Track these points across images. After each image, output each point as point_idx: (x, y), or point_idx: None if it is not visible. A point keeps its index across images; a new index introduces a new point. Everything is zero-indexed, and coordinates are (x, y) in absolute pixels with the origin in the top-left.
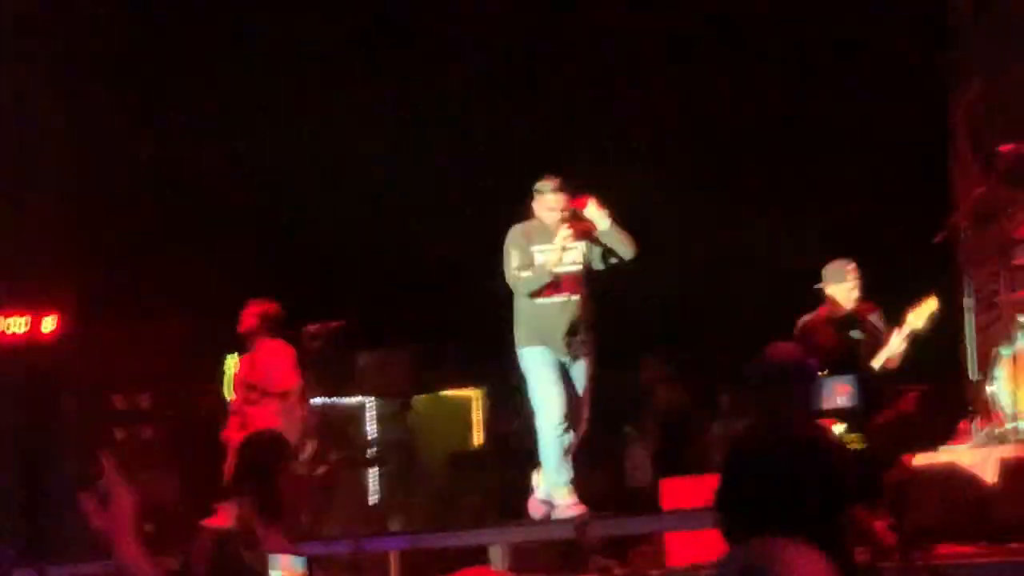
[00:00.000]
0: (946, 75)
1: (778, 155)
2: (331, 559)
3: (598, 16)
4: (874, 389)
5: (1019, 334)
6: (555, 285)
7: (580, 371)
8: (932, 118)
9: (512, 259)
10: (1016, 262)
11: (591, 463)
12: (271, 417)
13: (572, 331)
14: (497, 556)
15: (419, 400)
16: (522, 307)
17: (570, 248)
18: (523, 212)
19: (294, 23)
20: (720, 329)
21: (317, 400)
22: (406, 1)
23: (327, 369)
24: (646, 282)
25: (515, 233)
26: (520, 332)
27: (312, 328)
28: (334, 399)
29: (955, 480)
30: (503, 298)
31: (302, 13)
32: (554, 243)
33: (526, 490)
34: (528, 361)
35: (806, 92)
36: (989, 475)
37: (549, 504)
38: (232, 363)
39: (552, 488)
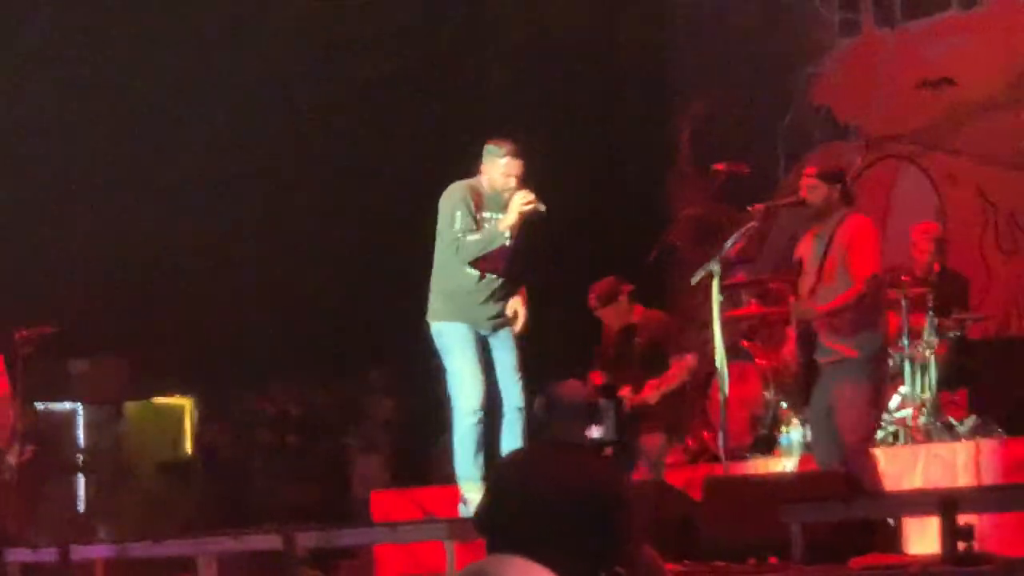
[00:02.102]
0: (668, 95)
1: None
2: (38, 566)
3: None
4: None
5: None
6: (494, 256)
7: (506, 347)
8: (654, 136)
9: (456, 220)
10: (730, 280)
11: (311, 473)
12: None
13: (498, 299)
14: (204, 566)
15: (130, 407)
16: (447, 276)
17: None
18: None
19: None
20: None
21: (27, 405)
22: None
23: (38, 374)
24: (376, 292)
25: (461, 192)
26: (438, 304)
27: (23, 333)
28: (45, 405)
29: (665, 497)
30: (219, 305)
31: None
32: (510, 205)
33: (235, 500)
34: (447, 337)
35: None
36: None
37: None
38: None
39: (464, 482)
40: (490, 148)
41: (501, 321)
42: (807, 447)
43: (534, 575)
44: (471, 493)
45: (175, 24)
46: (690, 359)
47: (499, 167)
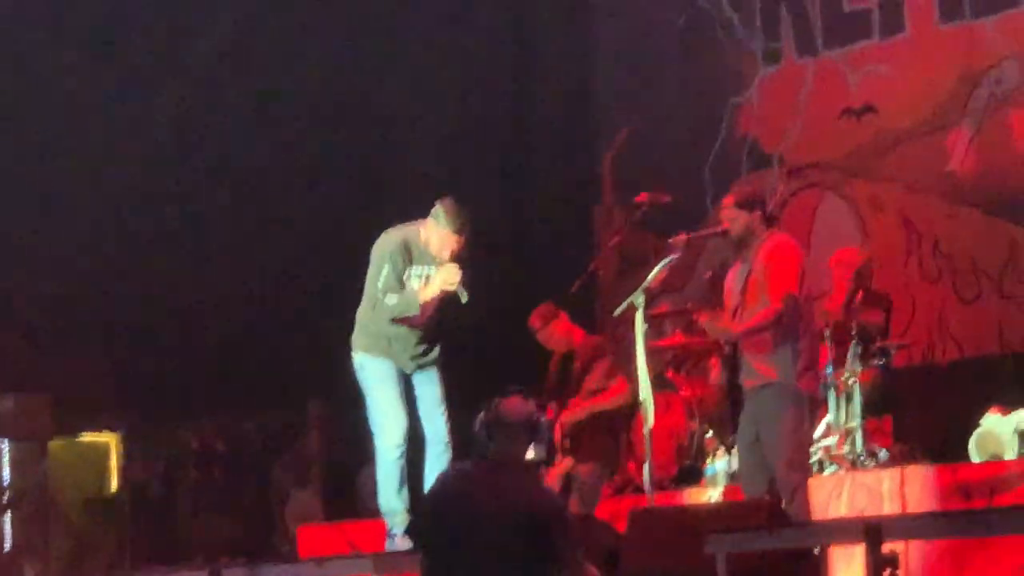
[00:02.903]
0: (592, 125)
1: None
2: None
3: None
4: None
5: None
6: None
7: (429, 382)
8: (577, 167)
9: (380, 276)
10: (655, 311)
11: (239, 509)
12: None
13: (421, 344)
14: None
15: (56, 444)
16: (372, 318)
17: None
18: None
19: None
20: None
21: None
22: None
23: None
24: (305, 325)
25: (392, 244)
26: (362, 338)
27: None
28: None
29: (590, 529)
30: (144, 341)
31: None
32: (433, 280)
33: (162, 536)
34: (369, 371)
35: (453, 141)
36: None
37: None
38: None
39: (389, 516)
40: (440, 213)
41: (425, 360)
42: (732, 477)
43: None
44: (397, 527)
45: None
46: (623, 385)
47: (440, 236)
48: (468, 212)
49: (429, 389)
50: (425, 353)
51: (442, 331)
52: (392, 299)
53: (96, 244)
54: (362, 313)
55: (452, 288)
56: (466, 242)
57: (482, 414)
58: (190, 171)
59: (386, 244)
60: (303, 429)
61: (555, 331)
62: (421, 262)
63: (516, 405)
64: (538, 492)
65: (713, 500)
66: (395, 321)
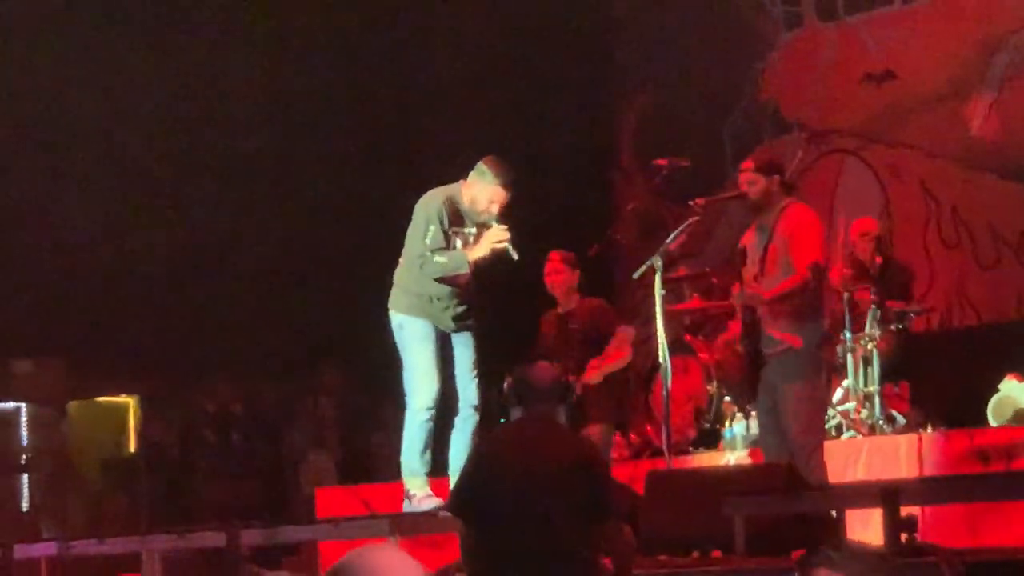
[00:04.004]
0: (611, 90)
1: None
2: None
3: None
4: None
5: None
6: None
7: (466, 345)
8: (597, 131)
9: (428, 233)
10: (673, 275)
11: (255, 471)
12: None
13: (462, 305)
14: (149, 564)
15: (74, 406)
16: (413, 278)
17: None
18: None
19: None
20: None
21: None
22: None
23: None
24: (322, 289)
25: (437, 202)
26: (402, 297)
27: None
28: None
29: None
30: (162, 304)
31: None
32: (483, 239)
33: (179, 498)
34: (409, 331)
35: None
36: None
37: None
38: None
39: (409, 477)
40: (485, 169)
41: (463, 323)
42: (750, 441)
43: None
44: (416, 489)
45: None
46: (629, 330)
47: (488, 191)
48: (512, 168)
49: (466, 352)
50: (466, 314)
51: (479, 294)
52: (442, 257)
53: (113, 208)
54: (403, 273)
55: (502, 247)
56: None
57: (509, 380)
58: (207, 139)
59: (432, 203)
60: (318, 392)
61: (565, 275)
62: (465, 223)
63: (544, 370)
64: (579, 441)
65: (731, 463)
66: (441, 280)
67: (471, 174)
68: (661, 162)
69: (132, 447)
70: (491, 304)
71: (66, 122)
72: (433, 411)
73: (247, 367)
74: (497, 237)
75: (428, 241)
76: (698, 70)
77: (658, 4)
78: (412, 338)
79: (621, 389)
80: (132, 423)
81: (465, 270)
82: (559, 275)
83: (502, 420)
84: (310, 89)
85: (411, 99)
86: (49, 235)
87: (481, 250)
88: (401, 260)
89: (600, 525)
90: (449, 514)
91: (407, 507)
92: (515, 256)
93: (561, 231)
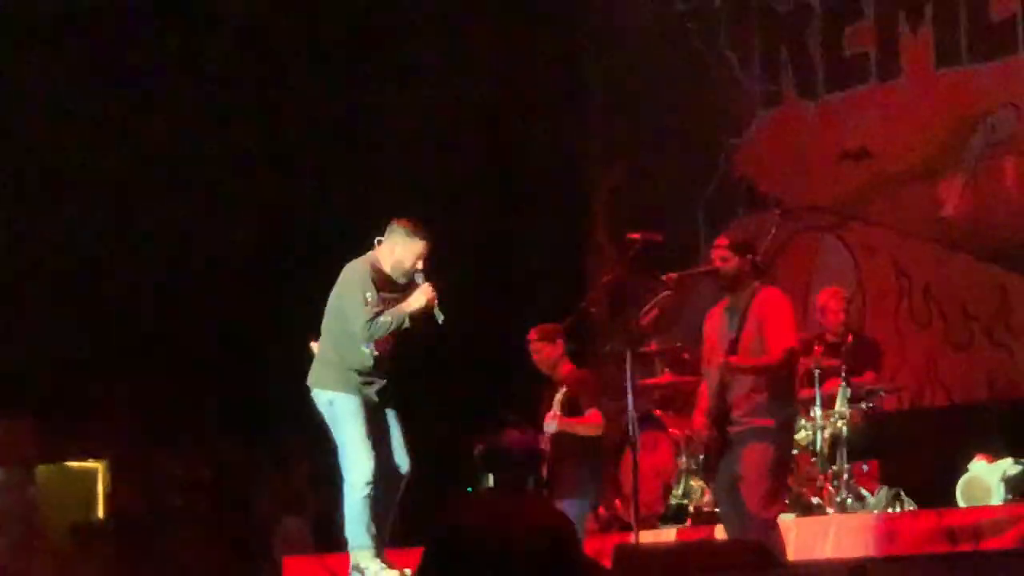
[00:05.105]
0: (586, 162)
1: None
2: None
3: None
4: None
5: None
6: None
7: (394, 416)
8: (571, 202)
9: (368, 298)
10: (644, 349)
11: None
12: None
13: (383, 378)
14: None
15: (42, 470)
16: (345, 350)
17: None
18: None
19: None
20: None
21: None
22: None
23: None
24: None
25: (365, 270)
26: (330, 373)
27: None
28: None
29: None
30: (132, 368)
31: None
32: (413, 297)
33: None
34: (343, 407)
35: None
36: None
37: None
38: None
39: (359, 553)
40: (404, 229)
41: (387, 396)
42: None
43: None
44: (368, 562)
45: None
46: (597, 415)
47: (412, 248)
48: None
49: (395, 423)
50: (386, 387)
51: (395, 363)
52: (386, 317)
53: (83, 264)
54: (332, 346)
55: (433, 304)
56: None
57: (480, 446)
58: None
59: (359, 271)
60: (290, 457)
61: (546, 352)
62: (389, 288)
63: (516, 437)
64: (553, 513)
65: (698, 539)
66: (377, 345)
67: (387, 239)
68: (634, 236)
69: (101, 512)
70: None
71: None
72: (372, 484)
73: (216, 430)
74: (429, 291)
75: (368, 307)
76: (673, 144)
77: (632, 78)
78: (345, 414)
79: (595, 464)
80: (101, 487)
81: (407, 325)
82: (539, 354)
83: (469, 489)
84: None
85: (375, 164)
86: (18, 292)
87: (416, 303)
88: (323, 337)
89: None
90: None
91: None
92: (440, 318)
93: (534, 301)
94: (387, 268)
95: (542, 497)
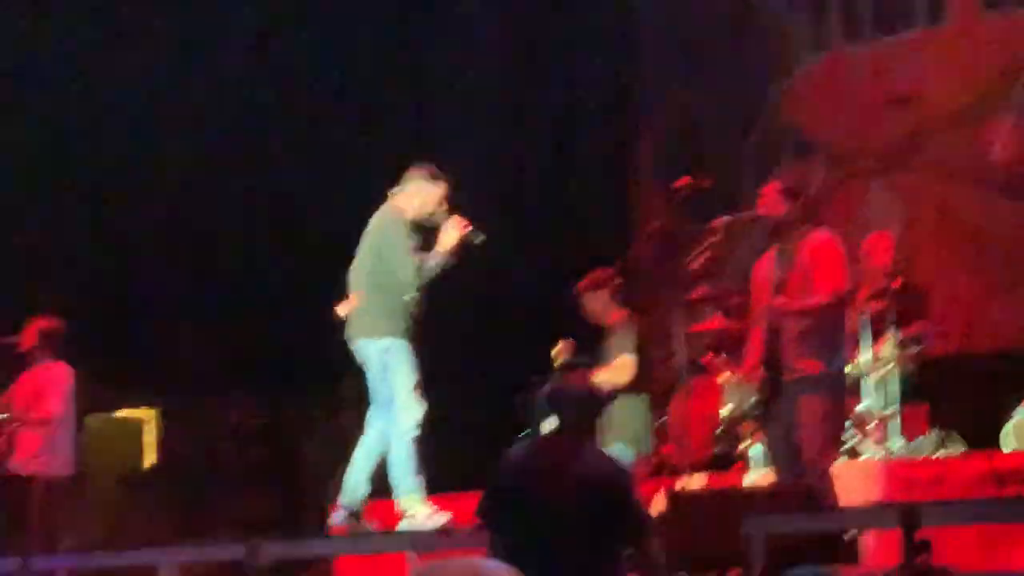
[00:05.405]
0: (633, 109)
1: None
2: None
3: None
4: None
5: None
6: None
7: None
8: (616, 150)
9: (410, 243)
10: (692, 295)
11: (274, 485)
12: (32, 442)
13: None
14: None
15: (92, 420)
16: (394, 295)
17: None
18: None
19: None
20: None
21: None
22: None
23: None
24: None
25: (402, 220)
26: (384, 321)
27: None
28: (5, 414)
29: None
30: (183, 316)
31: None
32: (447, 229)
33: (196, 512)
34: (398, 354)
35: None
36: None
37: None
38: None
39: (408, 498)
40: (422, 176)
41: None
42: (768, 461)
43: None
44: (418, 507)
45: None
46: (626, 363)
47: (434, 194)
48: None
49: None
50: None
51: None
52: (431, 261)
53: (135, 219)
54: (382, 293)
55: (466, 233)
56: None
57: (546, 388)
58: (228, 147)
59: (399, 217)
60: (340, 405)
61: (595, 301)
62: (415, 236)
63: (580, 378)
64: (611, 460)
65: (748, 484)
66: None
67: (405, 189)
68: (682, 181)
69: (150, 461)
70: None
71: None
72: (419, 429)
73: (267, 380)
74: (458, 224)
75: (415, 253)
76: (720, 90)
77: (682, 23)
78: (400, 359)
79: (643, 410)
80: (150, 437)
81: (450, 264)
82: (588, 303)
83: (527, 431)
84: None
85: (429, 110)
86: (68, 241)
87: (451, 239)
88: (368, 287)
89: (633, 544)
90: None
91: (410, 525)
92: (481, 238)
93: (579, 249)
94: (411, 214)
95: (598, 447)
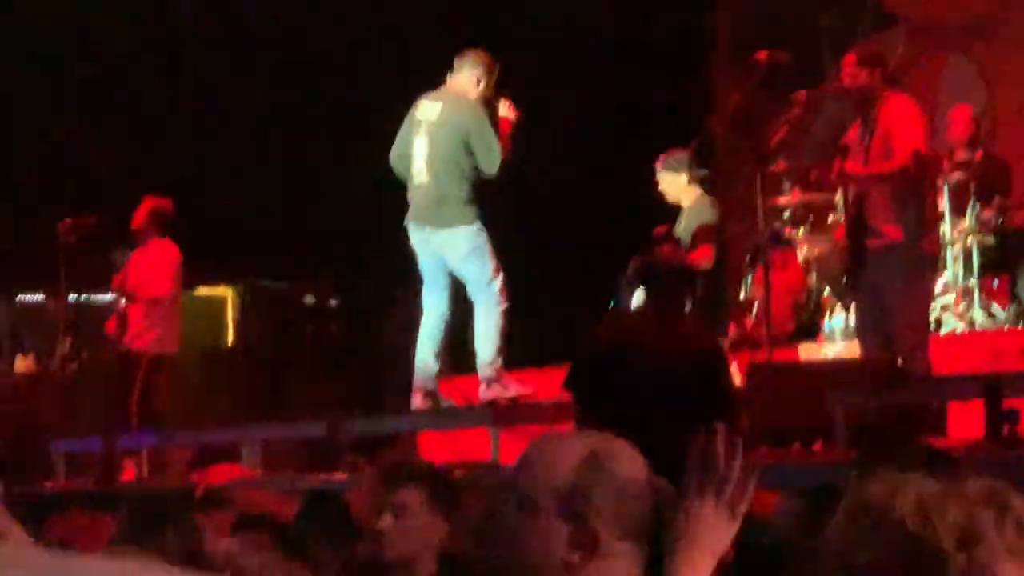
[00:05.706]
0: None
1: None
2: (84, 456)
3: None
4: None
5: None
6: None
7: None
8: (695, 24)
9: (494, 133)
10: (772, 168)
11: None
12: (144, 319)
13: None
14: (249, 453)
15: None
16: (471, 183)
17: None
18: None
19: None
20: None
21: (71, 297)
22: None
23: (81, 265)
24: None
25: (480, 106)
26: (469, 209)
27: (67, 223)
28: (88, 296)
29: None
30: (264, 198)
31: None
32: (503, 110)
33: (277, 390)
34: (484, 235)
35: None
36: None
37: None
38: None
39: (494, 368)
40: (482, 59)
41: None
42: (850, 334)
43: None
44: (500, 376)
45: None
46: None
47: (494, 75)
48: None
49: None
50: None
51: None
52: (498, 145)
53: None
54: (463, 186)
55: (516, 116)
56: None
57: (635, 263)
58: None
59: (476, 105)
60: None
61: (671, 179)
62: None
63: (671, 254)
64: (704, 336)
65: (831, 357)
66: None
67: (463, 75)
68: (761, 56)
69: (230, 339)
70: None
71: None
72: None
73: (345, 261)
74: (510, 106)
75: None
76: None
77: None
78: (486, 240)
79: (716, 286)
80: (231, 315)
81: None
82: (665, 181)
83: (614, 304)
84: None
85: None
86: (149, 126)
87: (507, 122)
88: (449, 175)
89: (723, 419)
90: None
91: (486, 393)
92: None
93: (658, 124)
94: (473, 98)
95: (695, 319)
